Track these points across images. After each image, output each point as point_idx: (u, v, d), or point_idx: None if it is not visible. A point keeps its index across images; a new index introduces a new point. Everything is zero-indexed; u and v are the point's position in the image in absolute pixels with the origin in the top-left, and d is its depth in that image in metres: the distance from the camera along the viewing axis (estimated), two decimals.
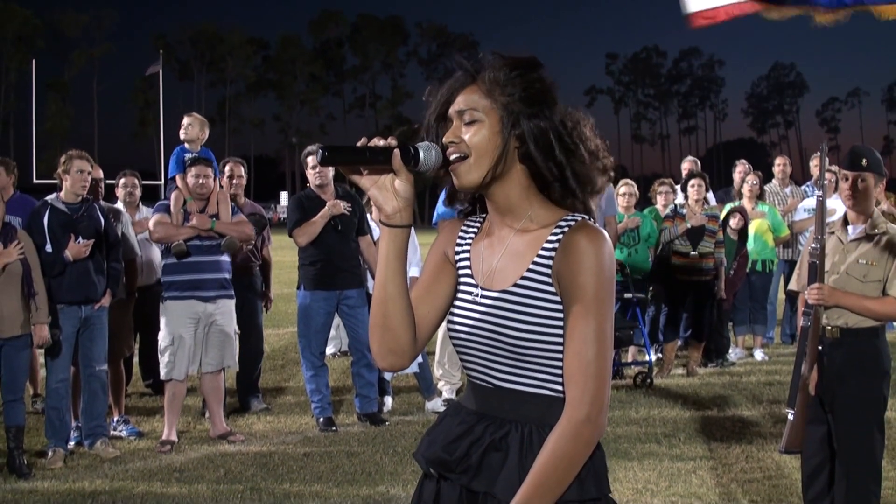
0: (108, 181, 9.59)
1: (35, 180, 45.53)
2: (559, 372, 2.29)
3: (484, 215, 2.51)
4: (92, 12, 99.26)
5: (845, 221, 5.12)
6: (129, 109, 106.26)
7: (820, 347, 4.93)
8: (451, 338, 2.45)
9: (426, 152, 2.30)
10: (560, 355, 2.29)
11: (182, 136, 8.91)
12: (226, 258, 8.00)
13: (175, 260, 7.81)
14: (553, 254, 2.30)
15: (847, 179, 5.02)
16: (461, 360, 2.46)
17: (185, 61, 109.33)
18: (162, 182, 48.90)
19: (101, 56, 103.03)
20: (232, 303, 8.07)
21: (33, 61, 51.50)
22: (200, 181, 7.90)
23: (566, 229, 2.31)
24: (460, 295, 2.44)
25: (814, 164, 12.44)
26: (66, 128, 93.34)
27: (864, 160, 4.98)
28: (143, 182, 9.93)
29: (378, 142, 2.26)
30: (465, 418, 2.40)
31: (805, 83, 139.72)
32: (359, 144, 2.26)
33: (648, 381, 9.96)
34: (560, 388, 2.30)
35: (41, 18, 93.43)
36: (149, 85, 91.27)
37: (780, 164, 12.79)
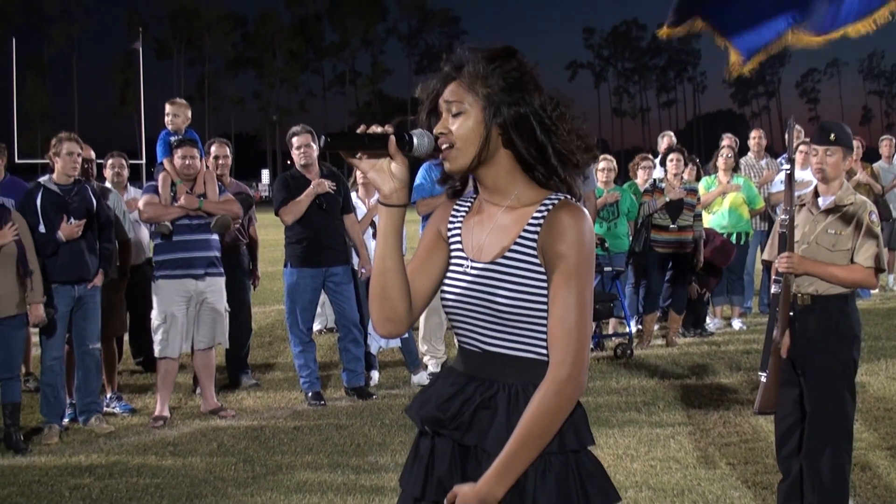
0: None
1: (17, 160, 45.30)
2: (542, 336, 2.51)
3: (475, 195, 2.72)
4: None
5: (816, 193, 5.32)
6: (109, 88, 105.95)
7: (792, 314, 5.13)
8: (444, 306, 2.67)
9: (419, 139, 2.51)
10: (543, 321, 2.51)
11: (169, 127, 9.07)
12: (215, 237, 8.16)
13: (166, 239, 7.97)
14: (538, 229, 2.52)
15: (816, 153, 5.23)
16: (453, 326, 2.68)
17: (163, 39, 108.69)
18: (144, 161, 48.89)
19: (80, 33, 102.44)
20: (222, 280, 8.23)
21: (13, 39, 51.09)
22: (187, 162, 8.06)
23: (550, 207, 2.54)
24: (452, 267, 2.67)
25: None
26: (46, 106, 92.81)
27: (833, 135, 5.19)
28: None
29: (376, 129, 2.48)
30: (456, 380, 2.62)
31: (787, 53, 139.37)
32: (358, 131, 2.48)
33: (629, 351, 10.17)
34: (543, 351, 2.52)
35: None
36: (128, 63, 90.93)
37: (755, 137, 12.97)
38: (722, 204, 11.48)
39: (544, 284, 2.50)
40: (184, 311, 7.98)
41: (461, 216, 2.72)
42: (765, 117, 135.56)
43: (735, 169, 11.63)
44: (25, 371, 9.26)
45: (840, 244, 5.11)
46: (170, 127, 9.07)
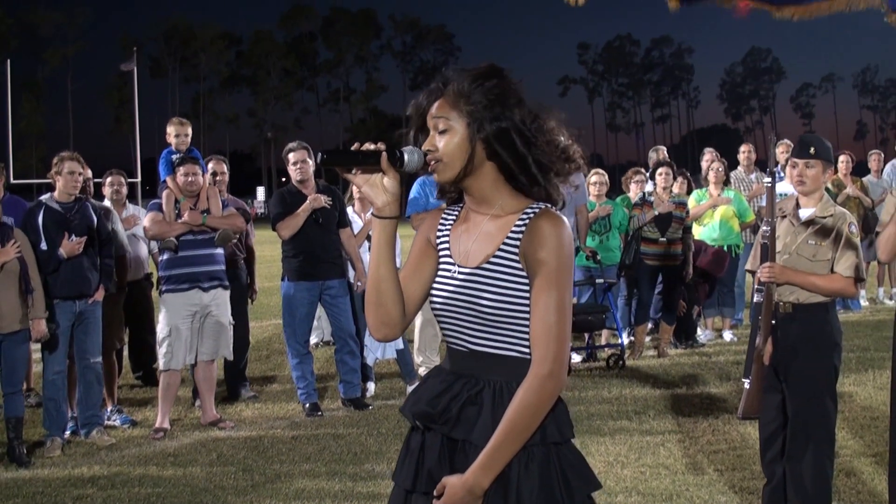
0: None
1: (12, 180, 45.42)
2: (525, 336, 2.68)
3: (462, 205, 2.89)
4: (65, 10, 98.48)
5: (797, 205, 5.49)
6: (104, 108, 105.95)
7: (774, 322, 5.30)
8: (433, 309, 2.84)
9: (410, 155, 2.69)
10: (525, 322, 2.67)
11: (175, 147, 9.23)
12: (220, 251, 8.33)
13: (171, 255, 8.14)
14: (520, 236, 2.69)
15: (796, 167, 5.40)
16: (441, 328, 2.84)
17: (157, 58, 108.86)
18: (139, 180, 48.98)
19: (75, 54, 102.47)
20: (227, 294, 8.40)
21: (8, 61, 51.20)
22: (190, 179, 8.23)
23: (532, 215, 2.70)
24: (441, 272, 2.83)
25: (779, 151, 12.82)
26: (42, 127, 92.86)
27: (812, 149, 5.36)
28: None
29: (369, 146, 2.66)
30: (445, 378, 2.79)
31: (782, 69, 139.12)
32: (352, 148, 2.66)
33: (621, 362, 10.32)
34: (525, 350, 2.68)
35: (14, 17, 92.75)
36: (123, 83, 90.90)
37: (744, 152, 13.16)
38: (713, 216, 11.63)
39: (526, 288, 2.67)
40: (188, 325, 8.13)
41: (449, 224, 2.88)
42: (759, 132, 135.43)
43: (726, 182, 11.80)
44: (27, 387, 9.40)
45: (820, 255, 5.27)
46: (177, 147, 9.23)
